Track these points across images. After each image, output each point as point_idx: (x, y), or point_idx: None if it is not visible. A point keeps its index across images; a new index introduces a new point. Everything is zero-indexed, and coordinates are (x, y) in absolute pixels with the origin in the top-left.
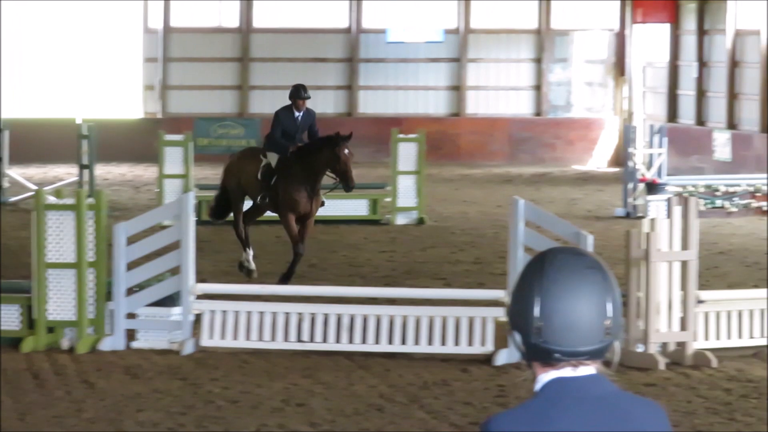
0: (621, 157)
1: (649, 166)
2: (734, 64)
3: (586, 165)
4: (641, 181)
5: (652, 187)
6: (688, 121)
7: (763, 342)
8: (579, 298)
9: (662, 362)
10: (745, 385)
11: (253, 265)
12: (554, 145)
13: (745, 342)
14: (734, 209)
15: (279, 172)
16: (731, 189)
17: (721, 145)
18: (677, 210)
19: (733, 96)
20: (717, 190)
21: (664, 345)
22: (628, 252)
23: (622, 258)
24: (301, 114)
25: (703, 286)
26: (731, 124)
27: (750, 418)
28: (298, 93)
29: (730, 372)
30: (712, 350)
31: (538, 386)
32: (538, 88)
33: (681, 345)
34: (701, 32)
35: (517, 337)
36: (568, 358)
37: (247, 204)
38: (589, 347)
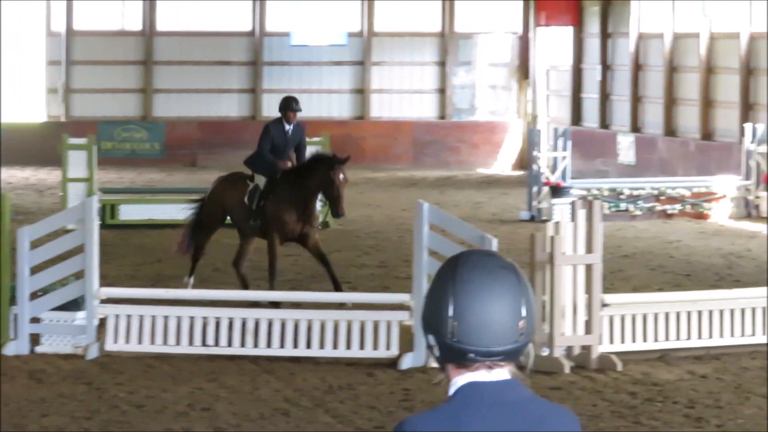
0: (525, 161)
1: (554, 169)
2: (638, 68)
3: (490, 168)
4: (545, 184)
5: (557, 191)
6: (592, 124)
7: (668, 345)
8: (493, 297)
9: (567, 366)
10: (650, 389)
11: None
12: (458, 148)
13: (650, 345)
14: (638, 212)
15: (268, 194)
16: (635, 192)
17: (625, 148)
18: (581, 213)
19: (636, 99)
20: (621, 194)
21: (569, 348)
22: (533, 255)
23: (527, 261)
24: (292, 127)
25: (607, 289)
26: (635, 127)
27: (655, 421)
28: (289, 105)
29: (635, 375)
30: (617, 353)
31: (452, 390)
32: (442, 91)
33: (586, 348)
34: (605, 35)
35: (432, 338)
36: (483, 358)
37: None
38: (504, 347)
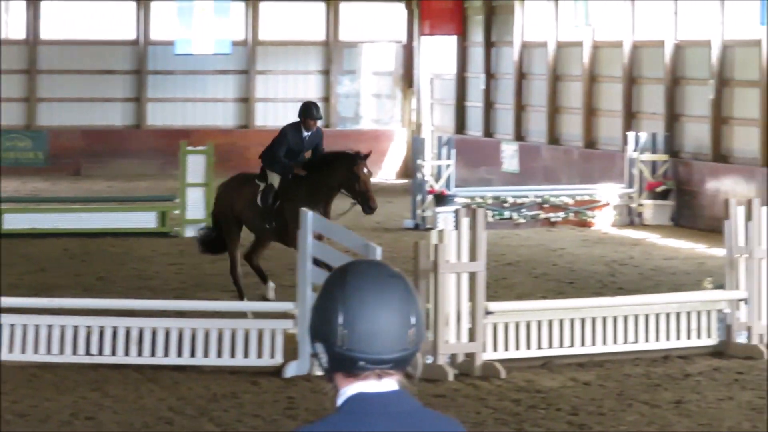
0: (409, 169)
1: (438, 177)
2: (521, 76)
3: (374, 177)
4: (430, 192)
5: (441, 199)
6: (476, 132)
7: (551, 352)
8: (383, 305)
9: (451, 373)
10: (533, 396)
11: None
12: None
13: (534, 353)
14: (522, 220)
15: (284, 194)
16: (519, 200)
17: (509, 156)
18: (465, 221)
19: (520, 108)
20: (505, 202)
21: (453, 356)
22: (417, 263)
23: (411, 269)
24: (310, 133)
25: (491, 297)
26: (519, 136)
27: (538, 428)
28: (309, 112)
29: (518, 383)
30: (501, 361)
31: (340, 400)
32: (326, 99)
33: (470, 356)
34: (489, 44)
35: (320, 347)
36: (373, 366)
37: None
38: (394, 355)
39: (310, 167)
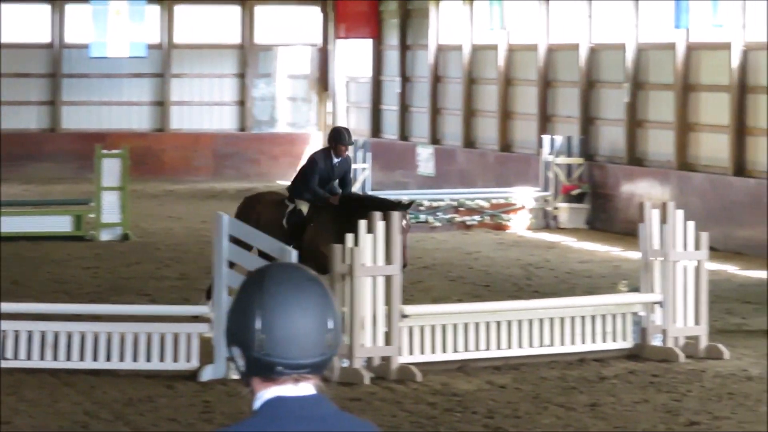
0: None
1: (354, 180)
2: (437, 79)
3: (290, 180)
4: None
5: None
6: (391, 135)
7: (467, 356)
8: (300, 310)
9: (367, 377)
10: (449, 399)
11: None
12: (259, 160)
13: (450, 356)
14: (438, 224)
15: (314, 218)
16: (435, 203)
17: (425, 159)
18: (381, 225)
19: (436, 111)
20: (421, 205)
21: (369, 359)
22: (333, 267)
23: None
24: (340, 160)
25: (407, 300)
26: (434, 139)
27: (454, 431)
28: (341, 138)
29: (434, 386)
30: (417, 364)
31: (257, 404)
32: (242, 103)
33: (386, 359)
34: (404, 47)
35: (237, 351)
36: (290, 371)
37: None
38: (312, 360)
39: (347, 204)
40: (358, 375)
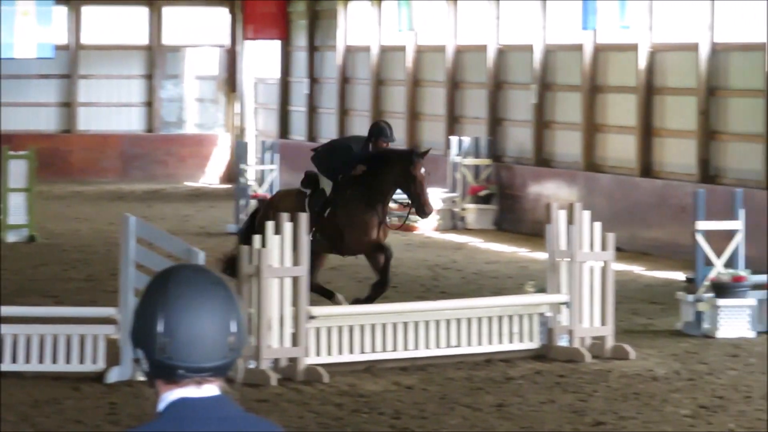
0: (233, 174)
1: (261, 182)
2: (345, 81)
3: (198, 181)
4: (253, 197)
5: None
6: (299, 137)
7: (374, 357)
8: (203, 313)
9: (274, 378)
10: (356, 400)
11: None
12: (166, 161)
13: (357, 357)
14: None
15: (337, 200)
16: None
17: None
18: (288, 226)
19: (344, 112)
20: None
21: (276, 361)
22: (240, 268)
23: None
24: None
25: (314, 301)
26: None
27: None
28: (382, 133)
29: (341, 387)
30: (324, 365)
31: (161, 406)
32: (149, 104)
33: (293, 361)
34: (312, 48)
35: (141, 353)
36: (192, 374)
37: None
38: (214, 363)
39: (368, 163)
40: (264, 376)
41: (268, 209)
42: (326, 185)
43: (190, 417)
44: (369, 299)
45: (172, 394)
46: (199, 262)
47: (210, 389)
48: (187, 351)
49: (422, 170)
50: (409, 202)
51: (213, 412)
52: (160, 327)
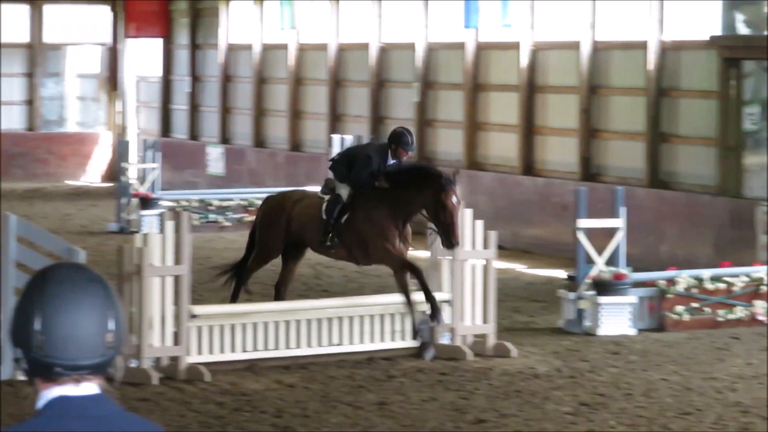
0: (114, 172)
1: (143, 180)
2: (227, 79)
3: (79, 180)
4: (135, 195)
5: (146, 202)
6: (181, 135)
7: (256, 355)
8: (80, 311)
9: (155, 377)
10: (238, 399)
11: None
12: (47, 160)
13: (239, 356)
14: (228, 223)
15: (358, 206)
16: (225, 203)
17: (215, 159)
18: (170, 225)
19: (226, 110)
20: (210, 205)
21: (158, 360)
22: (121, 267)
23: (115, 273)
24: (396, 162)
25: (196, 300)
26: (224, 139)
27: (242, 431)
28: (403, 142)
29: (223, 386)
30: (206, 364)
31: (40, 404)
32: (30, 102)
33: (174, 359)
34: (194, 47)
35: (19, 352)
36: (69, 372)
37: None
38: (91, 361)
39: (393, 180)
40: (146, 375)
41: (280, 213)
42: (343, 191)
43: (67, 415)
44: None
45: (50, 393)
46: (79, 261)
47: (89, 387)
48: (63, 348)
49: (454, 198)
50: (435, 229)
51: (91, 410)
52: (37, 325)
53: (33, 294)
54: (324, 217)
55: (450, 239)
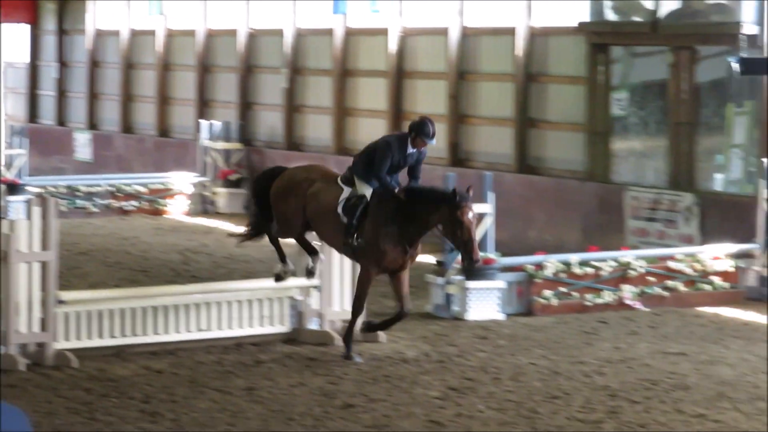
0: None
1: (10, 166)
2: (95, 65)
3: None
4: (2, 182)
5: (13, 188)
6: (49, 121)
7: (124, 341)
8: None
9: (22, 363)
10: (105, 385)
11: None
12: None
13: (107, 342)
14: (95, 209)
15: (376, 215)
16: (92, 189)
17: (82, 145)
18: (37, 211)
19: (93, 96)
20: (78, 191)
21: (24, 346)
22: None
23: None
24: (415, 151)
25: (63, 286)
26: (92, 124)
27: (110, 417)
28: (425, 132)
29: (91, 372)
30: (73, 350)
31: None
32: None
33: (41, 346)
34: (61, 32)
35: None
36: None
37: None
38: None
39: (411, 196)
40: (12, 361)
41: (295, 191)
42: (365, 190)
43: None
44: (382, 326)
45: None
46: None
47: None
48: None
49: (470, 215)
50: (452, 247)
51: None
52: None
53: None
54: (342, 214)
55: (470, 256)
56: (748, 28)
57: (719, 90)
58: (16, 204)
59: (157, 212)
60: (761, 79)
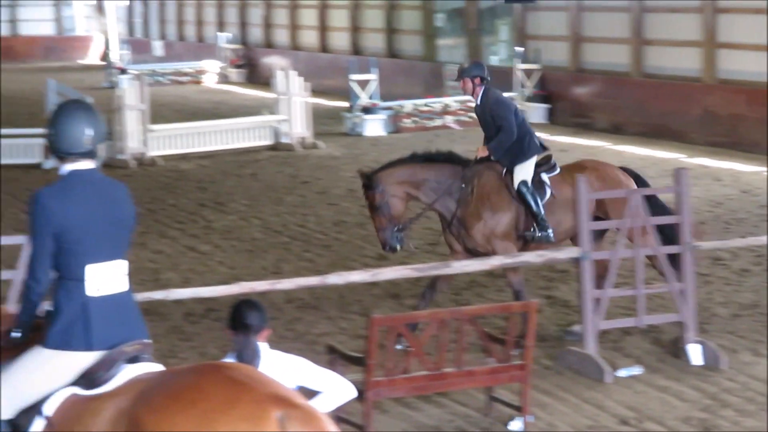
0: None
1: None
2: None
3: None
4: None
5: None
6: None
7: None
8: (71, 121)
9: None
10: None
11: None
12: None
13: None
14: (167, 81)
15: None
16: (165, 70)
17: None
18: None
19: None
20: (156, 72)
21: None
22: None
23: None
24: (478, 100)
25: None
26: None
27: None
28: (465, 70)
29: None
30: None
31: (62, 172)
32: None
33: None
34: None
35: (50, 144)
36: (68, 155)
37: None
38: (80, 150)
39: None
40: None
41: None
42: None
43: (77, 178)
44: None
45: (68, 167)
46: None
47: (87, 164)
48: (66, 142)
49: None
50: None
51: (90, 176)
52: (51, 130)
53: (51, 115)
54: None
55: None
56: None
57: None
58: None
59: (198, 82)
60: None
